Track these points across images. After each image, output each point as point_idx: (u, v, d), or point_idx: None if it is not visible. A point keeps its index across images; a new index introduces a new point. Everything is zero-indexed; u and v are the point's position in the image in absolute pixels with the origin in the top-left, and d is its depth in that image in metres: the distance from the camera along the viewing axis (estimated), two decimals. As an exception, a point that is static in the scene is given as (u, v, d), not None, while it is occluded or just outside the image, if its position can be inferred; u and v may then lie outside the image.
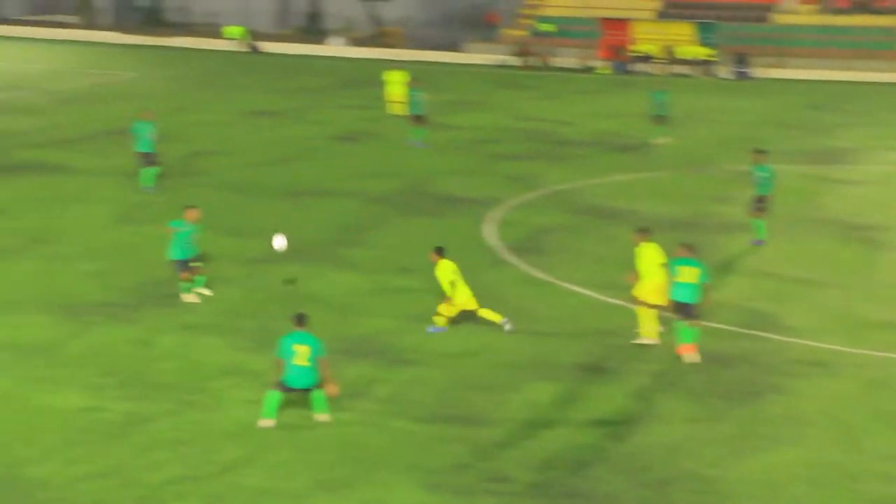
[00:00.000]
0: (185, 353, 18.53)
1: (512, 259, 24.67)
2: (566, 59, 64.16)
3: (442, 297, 19.68)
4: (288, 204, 28.98)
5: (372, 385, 17.48)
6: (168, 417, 16.00)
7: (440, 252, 19.69)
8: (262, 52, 69.42)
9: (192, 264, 20.78)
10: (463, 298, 19.67)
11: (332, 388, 15.88)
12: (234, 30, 71.27)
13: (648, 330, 19.46)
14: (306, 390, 15.81)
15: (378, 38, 72.34)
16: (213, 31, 73.21)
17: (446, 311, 19.71)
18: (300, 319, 16.11)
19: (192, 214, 20.84)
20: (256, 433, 15.60)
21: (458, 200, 29.93)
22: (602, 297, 21.97)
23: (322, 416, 15.95)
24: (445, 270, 19.57)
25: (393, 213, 28.47)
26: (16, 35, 73.30)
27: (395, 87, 43.76)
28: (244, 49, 69.65)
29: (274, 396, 15.77)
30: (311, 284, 22.19)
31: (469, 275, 20.11)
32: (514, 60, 64.22)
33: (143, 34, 73.61)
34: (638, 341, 19.44)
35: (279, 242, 21.42)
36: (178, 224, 20.76)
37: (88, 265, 23.25)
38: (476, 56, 66.71)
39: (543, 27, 67.63)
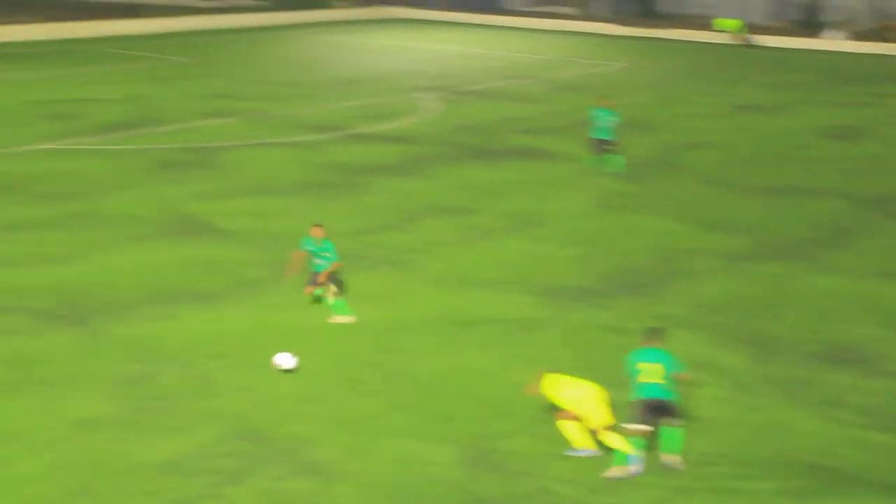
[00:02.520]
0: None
1: None
2: None
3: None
4: (771, 200, 28.30)
5: (848, 394, 16.72)
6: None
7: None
8: (755, 46, 68.15)
9: (321, 280, 19.35)
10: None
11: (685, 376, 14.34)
12: (727, 22, 70.43)
13: None
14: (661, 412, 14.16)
15: (882, 33, 68.81)
16: (706, 24, 72.79)
17: None
18: (652, 335, 14.59)
19: (318, 232, 19.55)
20: (726, 430, 15.39)
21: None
22: None
23: (670, 458, 14.26)
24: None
25: (882, 217, 27.02)
26: (520, 26, 76.79)
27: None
28: (737, 42, 68.69)
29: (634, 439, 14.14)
30: (788, 285, 21.57)
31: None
32: None
33: (637, 26, 74.60)
34: None
35: (285, 361, 17.20)
36: (308, 242, 19.65)
37: (570, 250, 23.92)
38: None
39: None
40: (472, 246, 24.12)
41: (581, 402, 14.46)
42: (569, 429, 14.67)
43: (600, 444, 14.48)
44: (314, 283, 19.22)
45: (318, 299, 19.45)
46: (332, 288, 19.24)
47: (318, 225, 19.39)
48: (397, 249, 23.70)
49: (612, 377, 15.55)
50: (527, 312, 19.98)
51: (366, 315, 19.52)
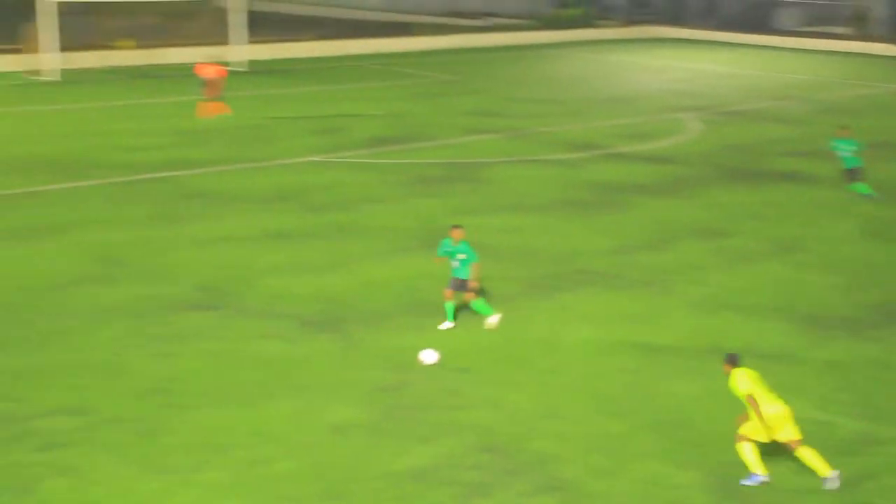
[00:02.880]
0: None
1: None
2: None
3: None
4: None
5: None
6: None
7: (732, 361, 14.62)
8: None
9: (472, 286, 19.25)
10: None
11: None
12: None
13: None
14: None
15: None
16: None
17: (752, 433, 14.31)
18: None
19: (457, 234, 19.29)
20: None
21: None
22: None
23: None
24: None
25: None
26: (791, 46, 74.61)
27: None
28: None
29: None
30: None
31: None
32: None
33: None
34: None
35: (428, 357, 18.00)
36: (446, 244, 19.36)
37: (833, 277, 23.00)
38: None
39: None
40: (729, 270, 23.52)
41: (778, 419, 13.98)
42: (748, 451, 14.10)
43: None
44: (454, 287, 19.24)
45: (460, 307, 19.56)
46: (449, 291, 19.32)
47: (457, 226, 19.52)
48: (653, 270, 23.37)
49: (882, 413, 14.82)
50: (785, 341, 19.31)
51: (617, 334, 19.32)
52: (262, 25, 65.63)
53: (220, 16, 60.00)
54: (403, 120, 41.76)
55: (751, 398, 13.96)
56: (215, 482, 13.91)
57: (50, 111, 41.93)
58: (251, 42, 58.57)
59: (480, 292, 19.70)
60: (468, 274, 19.24)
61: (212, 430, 15.34)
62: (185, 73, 43.39)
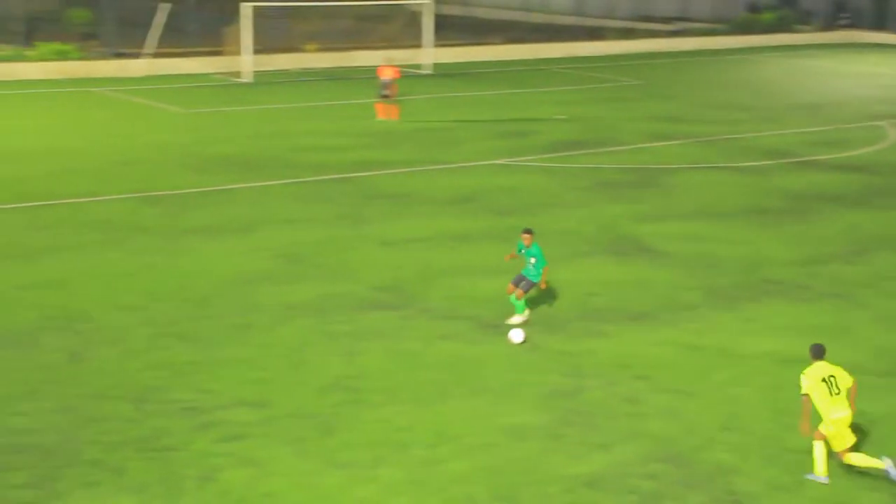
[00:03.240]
0: None
1: None
2: None
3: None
4: None
5: None
6: None
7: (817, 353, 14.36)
8: None
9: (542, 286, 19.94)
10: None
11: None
12: None
13: None
14: None
15: None
16: None
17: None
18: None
19: (526, 239, 19.84)
20: None
21: None
22: None
23: None
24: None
25: None
26: None
27: None
28: None
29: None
30: None
31: None
32: None
33: None
34: None
35: (516, 336, 18.95)
36: (519, 247, 19.96)
37: None
38: None
39: None
40: (925, 283, 22.61)
41: (843, 423, 14.05)
42: (820, 452, 14.05)
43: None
44: (517, 283, 19.83)
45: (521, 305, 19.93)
46: (520, 291, 19.67)
47: (528, 230, 20.03)
48: (842, 282, 22.63)
49: None
50: None
51: (801, 347, 18.66)
52: (452, 29, 66.29)
53: (411, 19, 60.83)
54: (590, 124, 41.53)
55: (805, 398, 14.01)
56: (391, 479, 14.07)
57: (242, 112, 43.25)
58: (440, 45, 59.20)
59: (525, 291, 19.89)
60: (538, 277, 19.82)
61: (390, 428, 15.53)
62: (371, 75, 44.10)
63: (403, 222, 26.73)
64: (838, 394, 14.00)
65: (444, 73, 56.27)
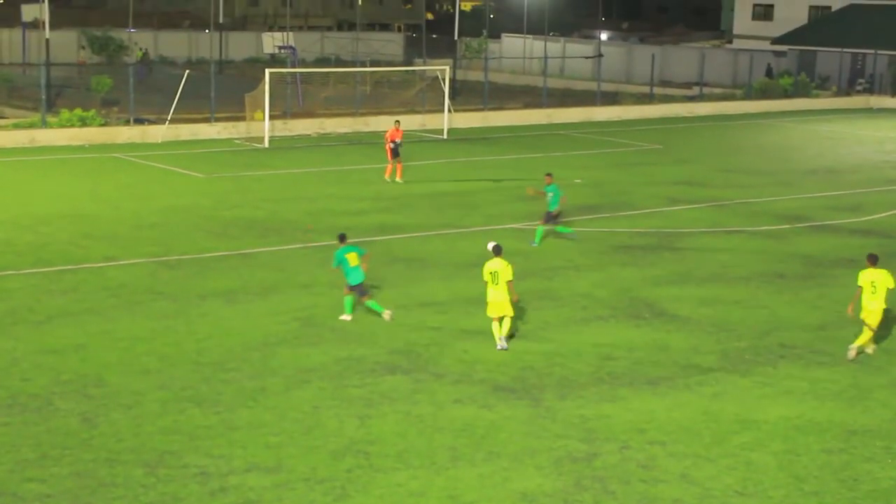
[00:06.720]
0: None
1: None
2: None
3: None
4: None
5: None
6: None
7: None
8: None
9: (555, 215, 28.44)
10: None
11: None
12: None
13: None
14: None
15: None
16: None
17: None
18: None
19: (548, 179, 29.89)
20: None
21: None
22: None
23: None
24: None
25: None
26: None
27: None
28: None
29: None
30: None
31: None
32: None
33: None
34: None
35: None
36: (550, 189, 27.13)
37: None
38: None
39: None
40: (943, 349, 22.47)
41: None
42: None
43: None
44: (547, 219, 28.82)
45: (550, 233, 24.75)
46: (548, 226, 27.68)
47: (548, 174, 30.52)
48: (860, 347, 22.52)
49: None
50: None
51: (818, 412, 18.70)
52: (470, 94, 66.70)
53: (429, 84, 61.24)
54: (606, 188, 41.66)
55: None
56: (402, 545, 14.01)
57: (262, 176, 43.53)
58: (457, 110, 59.49)
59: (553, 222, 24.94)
60: (555, 206, 29.73)
61: (403, 493, 15.49)
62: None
63: (420, 286, 26.79)
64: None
65: (461, 137, 56.61)
